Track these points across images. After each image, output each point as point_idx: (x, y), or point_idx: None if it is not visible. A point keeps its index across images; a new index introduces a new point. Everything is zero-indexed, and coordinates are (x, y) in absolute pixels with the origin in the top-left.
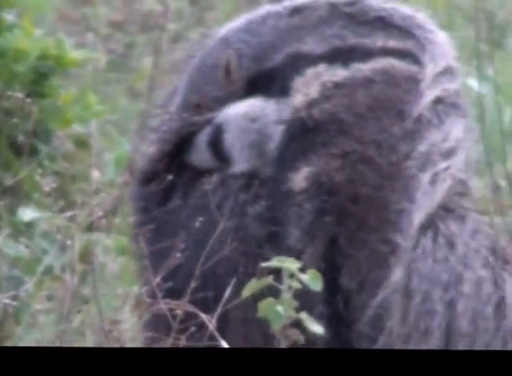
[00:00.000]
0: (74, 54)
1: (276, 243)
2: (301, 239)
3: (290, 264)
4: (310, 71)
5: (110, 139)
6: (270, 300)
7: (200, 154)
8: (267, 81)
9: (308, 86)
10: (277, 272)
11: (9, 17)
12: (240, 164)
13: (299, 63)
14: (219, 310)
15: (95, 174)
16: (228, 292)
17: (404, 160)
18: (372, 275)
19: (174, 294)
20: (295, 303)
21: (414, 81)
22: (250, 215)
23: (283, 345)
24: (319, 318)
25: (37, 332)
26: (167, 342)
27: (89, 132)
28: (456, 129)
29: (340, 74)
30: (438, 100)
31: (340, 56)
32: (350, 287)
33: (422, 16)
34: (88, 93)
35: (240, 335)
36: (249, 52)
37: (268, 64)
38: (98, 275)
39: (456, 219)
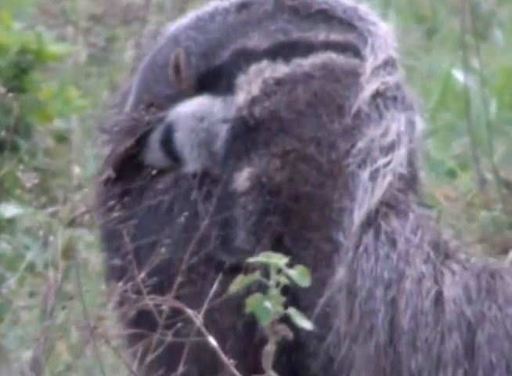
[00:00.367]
0: (54, 48)
1: (226, 244)
2: (248, 240)
3: (278, 259)
4: (253, 68)
5: (91, 134)
6: (258, 296)
7: (154, 154)
8: (215, 78)
9: (250, 83)
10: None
11: None
12: (191, 163)
13: (244, 59)
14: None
15: (76, 169)
16: (213, 289)
17: (344, 157)
18: (317, 274)
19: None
20: (283, 299)
21: (354, 76)
22: (201, 214)
23: (272, 341)
24: None
25: (20, 329)
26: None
27: (70, 127)
28: (397, 123)
29: (281, 70)
30: (377, 94)
31: (283, 51)
32: (298, 287)
33: (364, 8)
34: (69, 87)
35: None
36: (197, 49)
37: (216, 61)
38: (81, 271)
39: (398, 215)
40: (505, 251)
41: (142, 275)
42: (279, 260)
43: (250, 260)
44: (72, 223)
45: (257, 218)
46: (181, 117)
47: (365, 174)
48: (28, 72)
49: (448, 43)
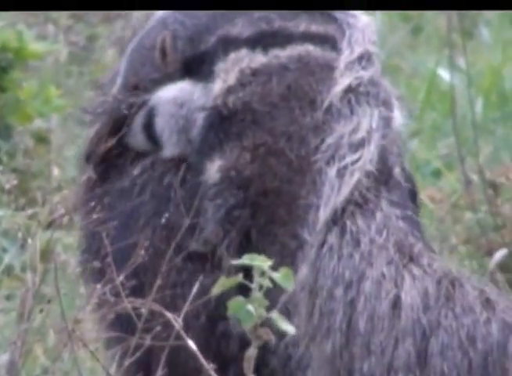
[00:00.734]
0: (35, 46)
1: (195, 233)
2: (216, 232)
3: (261, 262)
4: (232, 56)
5: (71, 135)
6: (240, 299)
7: (136, 137)
8: (200, 64)
9: (227, 72)
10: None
11: None
12: (169, 148)
13: (225, 46)
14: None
15: (56, 171)
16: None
17: (313, 153)
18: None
19: (104, 276)
20: (266, 302)
21: (329, 69)
22: (173, 201)
23: (254, 345)
24: None
25: None
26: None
27: (50, 127)
28: (368, 119)
29: (258, 60)
30: (350, 89)
31: (263, 40)
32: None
33: None
34: (49, 87)
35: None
36: (184, 33)
37: (202, 47)
38: (59, 274)
39: (365, 215)
40: (490, 253)
41: (121, 277)
42: (263, 262)
43: (234, 262)
44: (51, 225)
45: (225, 211)
46: (162, 101)
47: (332, 171)
48: (8, 71)
49: (434, 42)
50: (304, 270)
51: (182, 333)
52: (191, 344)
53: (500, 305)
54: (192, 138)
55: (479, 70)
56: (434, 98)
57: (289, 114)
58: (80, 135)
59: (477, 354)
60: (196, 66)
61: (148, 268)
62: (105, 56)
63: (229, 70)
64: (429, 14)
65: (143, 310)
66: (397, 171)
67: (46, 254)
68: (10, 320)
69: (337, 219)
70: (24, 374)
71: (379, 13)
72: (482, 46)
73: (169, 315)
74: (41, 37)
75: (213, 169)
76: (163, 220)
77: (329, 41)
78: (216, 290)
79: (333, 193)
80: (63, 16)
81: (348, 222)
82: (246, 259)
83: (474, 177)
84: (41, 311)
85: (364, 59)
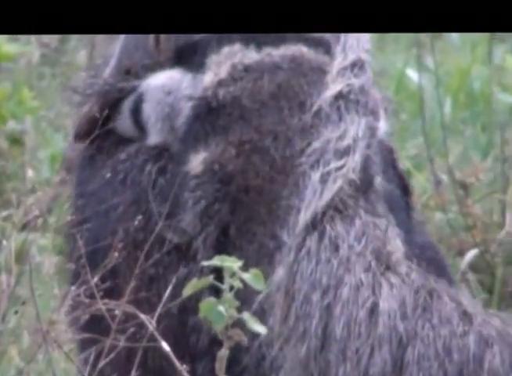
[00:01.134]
0: (7, 48)
1: (173, 223)
2: (194, 224)
3: (232, 262)
4: (225, 50)
5: (45, 136)
6: (211, 300)
7: (124, 122)
8: (191, 54)
9: (219, 65)
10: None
11: None
12: (154, 135)
13: (220, 39)
14: (159, 310)
15: (30, 173)
16: (168, 292)
17: (298, 156)
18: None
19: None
20: (236, 303)
21: (321, 73)
22: (154, 189)
23: (226, 345)
24: None
25: None
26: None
27: (24, 129)
28: (356, 127)
29: (251, 56)
30: (340, 95)
31: (257, 37)
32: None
33: None
34: (23, 89)
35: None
36: None
37: (196, 37)
38: (34, 275)
39: (344, 221)
40: (461, 254)
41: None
42: (233, 263)
43: (204, 263)
44: (25, 227)
45: (205, 204)
46: (150, 88)
47: (316, 175)
48: None
49: (403, 41)
50: (280, 272)
51: (156, 334)
52: (165, 345)
53: (478, 319)
54: (177, 126)
55: (447, 70)
56: (403, 98)
57: (277, 114)
58: (53, 137)
59: (453, 365)
60: (188, 56)
61: (125, 260)
62: (77, 58)
63: (221, 64)
64: None
65: (117, 312)
66: (378, 180)
67: (21, 255)
68: None
69: (316, 223)
70: None
71: None
72: (450, 46)
73: (143, 316)
74: (13, 39)
75: (196, 161)
76: (136, 223)
77: (323, 45)
78: (187, 291)
79: (314, 198)
80: None
81: (328, 227)
82: (216, 260)
83: (444, 177)
84: (16, 312)
85: (357, 66)
